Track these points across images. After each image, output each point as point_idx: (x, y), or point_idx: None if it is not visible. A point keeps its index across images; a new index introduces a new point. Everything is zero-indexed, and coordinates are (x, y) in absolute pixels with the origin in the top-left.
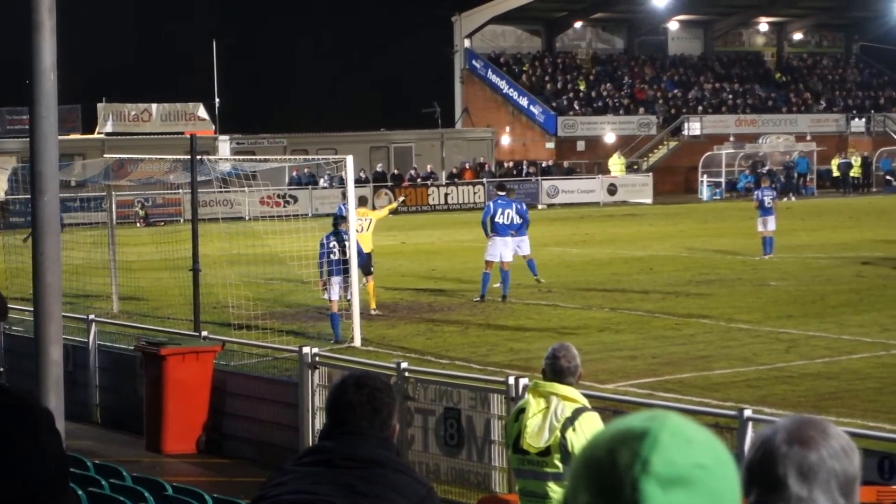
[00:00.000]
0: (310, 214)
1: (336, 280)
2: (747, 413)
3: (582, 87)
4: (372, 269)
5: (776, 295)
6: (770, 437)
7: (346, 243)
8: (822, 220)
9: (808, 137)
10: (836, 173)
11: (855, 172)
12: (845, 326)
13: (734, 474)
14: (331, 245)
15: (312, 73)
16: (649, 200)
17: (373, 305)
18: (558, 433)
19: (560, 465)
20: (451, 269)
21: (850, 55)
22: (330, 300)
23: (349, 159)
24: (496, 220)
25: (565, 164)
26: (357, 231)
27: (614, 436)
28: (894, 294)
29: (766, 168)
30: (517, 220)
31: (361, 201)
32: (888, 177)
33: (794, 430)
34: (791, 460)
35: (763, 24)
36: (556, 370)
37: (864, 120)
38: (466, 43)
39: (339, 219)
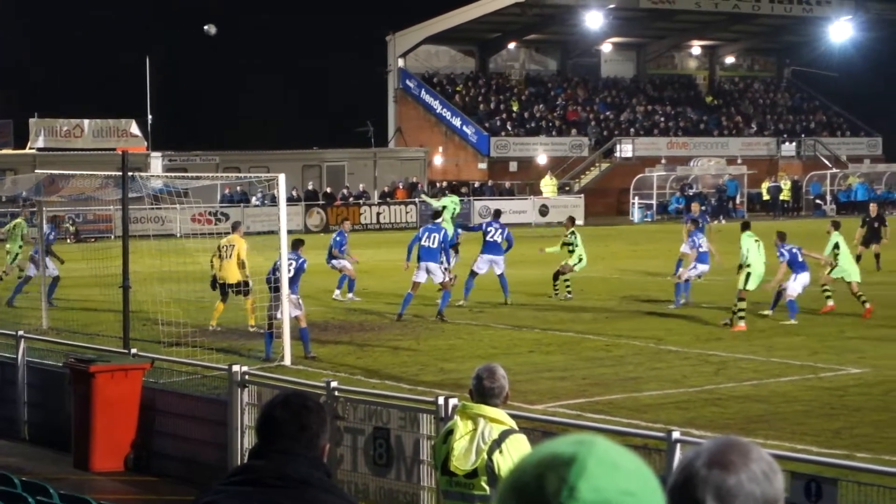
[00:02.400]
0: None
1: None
2: (675, 435)
3: (515, 108)
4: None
5: (705, 317)
6: (691, 461)
7: (293, 264)
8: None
9: (739, 161)
10: (765, 197)
11: (785, 196)
12: (774, 349)
13: (661, 500)
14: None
15: (246, 90)
16: (581, 222)
17: (251, 322)
18: (485, 455)
19: (487, 487)
20: (382, 288)
21: (781, 79)
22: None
23: (281, 178)
24: (422, 243)
25: (507, 184)
26: (221, 258)
27: (542, 461)
28: (823, 317)
29: (694, 191)
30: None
31: (234, 227)
32: (818, 201)
33: (715, 453)
34: (709, 484)
35: (695, 48)
36: (482, 392)
37: (794, 144)
38: (400, 62)
39: (297, 242)
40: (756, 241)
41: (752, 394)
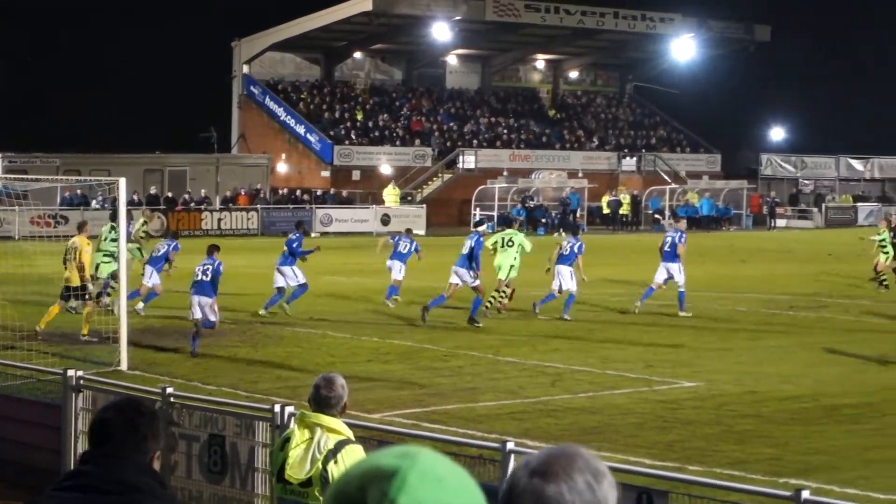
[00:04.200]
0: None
1: (195, 300)
2: (510, 446)
3: (359, 117)
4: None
5: (544, 329)
6: (515, 470)
7: (209, 268)
8: (591, 257)
9: (581, 174)
10: (606, 210)
11: (624, 210)
12: (609, 362)
13: None
14: (196, 269)
15: (89, 92)
16: (423, 232)
17: (84, 331)
18: (320, 465)
19: (321, 497)
20: (221, 294)
21: (623, 95)
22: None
23: (122, 181)
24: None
25: (344, 193)
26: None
27: (365, 473)
28: (658, 331)
29: (535, 203)
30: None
31: (79, 228)
32: (657, 215)
33: (539, 463)
34: (529, 494)
35: (540, 61)
36: (319, 401)
37: (635, 159)
38: (245, 69)
39: (212, 247)
40: (508, 240)
41: (587, 406)
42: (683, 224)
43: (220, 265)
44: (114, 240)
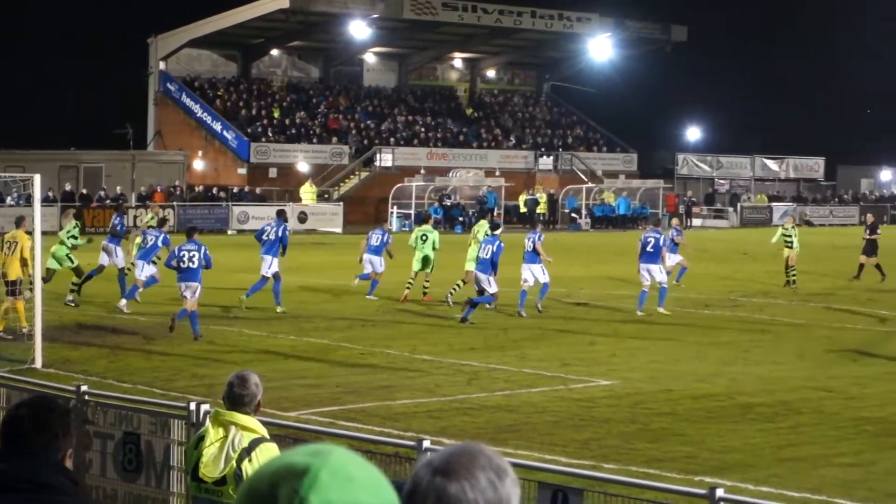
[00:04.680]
0: None
1: (182, 286)
2: (426, 444)
3: (276, 115)
4: (18, 290)
5: (461, 327)
6: (419, 468)
7: (195, 253)
8: (507, 255)
9: (497, 173)
10: (523, 209)
11: (542, 209)
12: (526, 360)
13: None
14: (181, 254)
15: (2, 88)
16: (339, 230)
17: (23, 323)
18: (234, 463)
19: (235, 495)
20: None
21: (540, 94)
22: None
23: (37, 178)
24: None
25: (258, 190)
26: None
27: (277, 471)
28: (575, 329)
29: (452, 201)
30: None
31: (17, 222)
32: (573, 214)
33: (441, 461)
34: (431, 492)
35: (457, 60)
36: (233, 399)
37: (552, 158)
38: (162, 65)
39: (191, 230)
40: (423, 235)
41: (504, 404)
42: (676, 222)
43: (205, 249)
44: (74, 236)
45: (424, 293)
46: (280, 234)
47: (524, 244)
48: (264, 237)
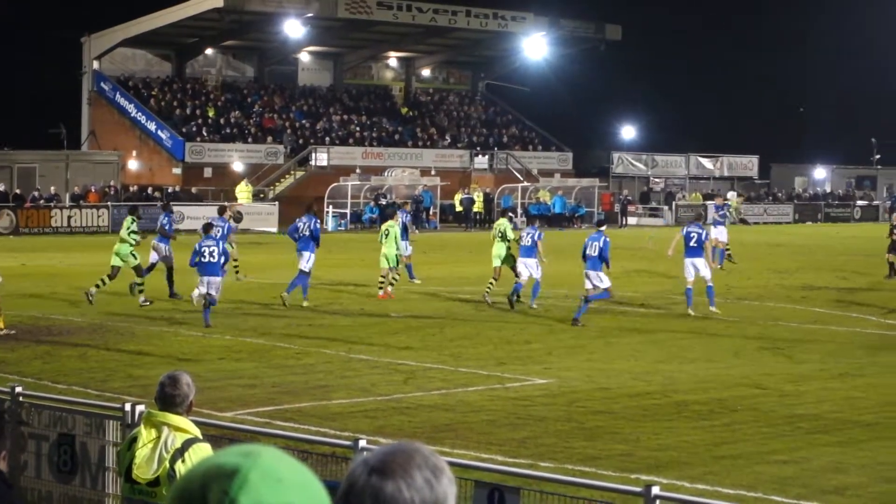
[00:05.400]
0: None
1: (205, 279)
2: (362, 444)
3: (211, 114)
4: None
5: (397, 327)
6: (355, 467)
7: (215, 248)
8: (444, 254)
9: (433, 172)
10: (458, 208)
11: (477, 208)
12: (462, 359)
13: None
14: (201, 250)
15: None
16: (275, 229)
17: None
18: (167, 464)
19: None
20: (71, 292)
21: (475, 93)
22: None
23: None
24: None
25: (193, 189)
26: None
27: (207, 472)
28: (512, 328)
29: (388, 200)
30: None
31: None
32: (510, 213)
33: (378, 460)
34: (368, 491)
35: (392, 59)
36: (165, 399)
37: (487, 157)
38: (95, 65)
39: (207, 226)
40: (386, 231)
41: (440, 403)
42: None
43: (224, 246)
44: (134, 232)
45: (380, 289)
46: (312, 228)
47: (522, 238)
48: (298, 234)
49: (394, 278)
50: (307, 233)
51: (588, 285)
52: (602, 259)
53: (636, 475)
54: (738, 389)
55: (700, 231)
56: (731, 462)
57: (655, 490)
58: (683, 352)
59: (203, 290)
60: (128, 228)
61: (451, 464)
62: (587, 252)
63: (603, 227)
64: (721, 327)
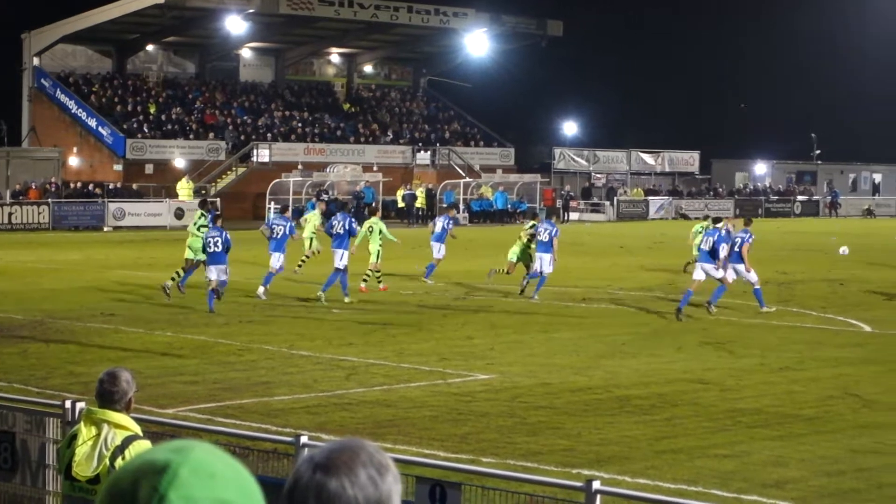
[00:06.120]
0: None
1: (211, 268)
2: (304, 440)
3: (152, 110)
4: None
5: (338, 322)
6: (300, 464)
7: (218, 238)
8: (386, 250)
9: (375, 168)
10: (401, 204)
11: (420, 204)
12: (404, 355)
13: None
14: (207, 240)
15: None
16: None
17: None
18: (107, 461)
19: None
20: (12, 289)
21: (417, 89)
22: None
23: None
24: (701, 247)
25: (134, 186)
26: None
27: (139, 468)
28: (453, 324)
29: (329, 197)
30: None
31: None
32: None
33: (323, 457)
34: (312, 488)
35: (334, 55)
36: (103, 396)
37: (429, 152)
38: (35, 61)
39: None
40: (370, 228)
41: (382, 399)
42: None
43: (226, 234)
44: (203, 225)
45: (364, 280)
46: (347, 226)
47: (540, 234)
48: (334, 231)
49: (370, 272)
50: (342, 231)
51: (700, 276)
52: (713, 252)
53: (578, 470)
54: (679, 384)
55: (745, 235)
56: (672, 456)
57: (596, 485)
58: (625, 346)
59: (213, 276)
60: (195, 223)
61: (393, 460)
62: (701, 246)
63: (720, 224)
64: (663, 323)
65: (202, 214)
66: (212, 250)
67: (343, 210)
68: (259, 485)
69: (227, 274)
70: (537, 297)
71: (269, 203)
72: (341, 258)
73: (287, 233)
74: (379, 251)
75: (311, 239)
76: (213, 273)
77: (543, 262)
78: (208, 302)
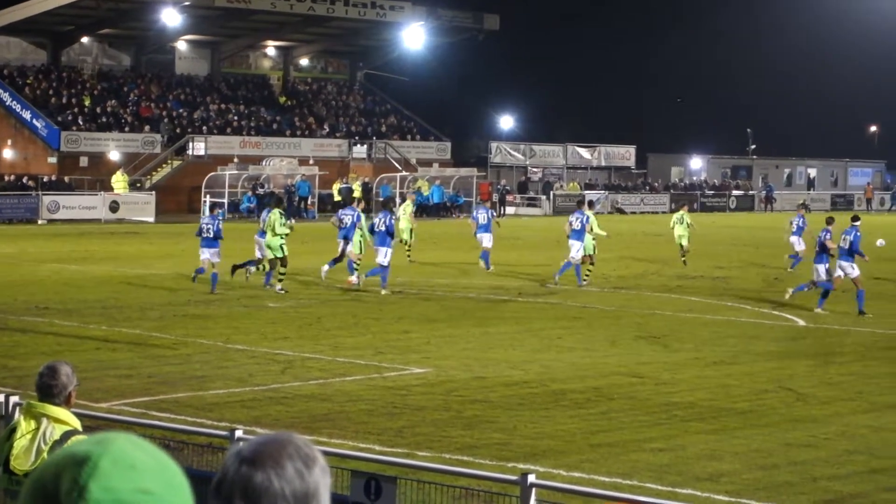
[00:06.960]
0: None
1: (205, 251)
2: (238, 434)
3: (87, 103)
4: None
5: (274, 316)
6: (228, 458)
7: (211, 226)
8: (323, 244)
9: (311, 161)
10: (337, 198)
11: (356, 197)
12: (340, 349)
13: (186, 499)
14: (203, 226)
15: None
16: (151, 219)
17: None
18: (45, 456)
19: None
20: None
21: (354, 82)
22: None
23: None
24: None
25: (68, 179)
26: None
27: (61, 460)
28: (389, 317)
29: (266, 190)
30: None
31: None
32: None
33: (250, 450)
34: (238, 482)
35: (270, 48)
36: (43, 390)
37: (366, 146)
38: None
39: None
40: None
41: (318, 393)
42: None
43: (218, 223)
44: (283, 224)
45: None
46: (388, 224)
47: (571, 222)
48: (376, 229)
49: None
50: (383, 228)
51: (839, 273)
52: (854, 252)
53: (513, 464)
54: (614, 378)
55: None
56: (607, 450)
57: (532, 478)
58: (560, 340)
59: (205, 257)
60: (279, 223)
61: (328, 454)
62: (840, 245)
63: (857, 222)
64: (597, 317)
65: (281, 213)
66: (205, 235)
67: (385, 208)
68: (190, 477)
69: (219, 257)
70: (558, 279)
71: (205, 196)
72: (385, 256)
73: (355, 221)
74: (360, 242)
75: (410, 230)
76: (207, 255)
77: (574, 248)
78: (211, 283)
